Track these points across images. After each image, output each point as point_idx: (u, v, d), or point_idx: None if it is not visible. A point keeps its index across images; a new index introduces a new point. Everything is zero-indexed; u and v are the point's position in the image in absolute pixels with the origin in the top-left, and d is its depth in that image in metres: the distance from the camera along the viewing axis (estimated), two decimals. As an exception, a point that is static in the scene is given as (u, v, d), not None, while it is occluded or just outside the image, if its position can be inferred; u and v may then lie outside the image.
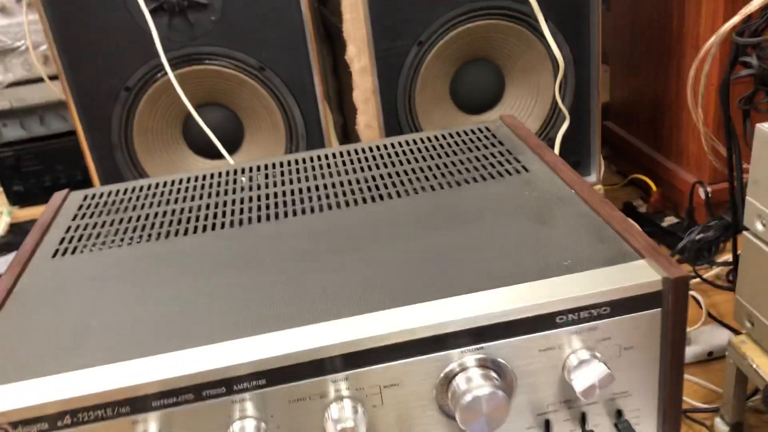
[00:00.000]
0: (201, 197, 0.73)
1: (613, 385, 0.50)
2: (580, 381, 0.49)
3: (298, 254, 0.59)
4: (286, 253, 0.60)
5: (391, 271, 0.55)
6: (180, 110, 1.15)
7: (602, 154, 1.34)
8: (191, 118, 1.13)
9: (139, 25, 1.08)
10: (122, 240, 0.66)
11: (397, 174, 0.72)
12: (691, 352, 1.04)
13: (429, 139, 0.80)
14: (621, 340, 0.51)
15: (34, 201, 1.57)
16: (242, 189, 0.73)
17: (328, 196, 0.69)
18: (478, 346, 0.49)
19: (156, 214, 0.70)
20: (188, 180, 0.77)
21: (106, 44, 1.10)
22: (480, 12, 1.17)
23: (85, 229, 0.69)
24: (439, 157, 0.75)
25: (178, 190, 0.75)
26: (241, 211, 0.68)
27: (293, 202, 0.69)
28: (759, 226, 0.74)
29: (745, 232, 0.77)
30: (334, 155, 0.79)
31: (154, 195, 0.74)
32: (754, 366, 0.78)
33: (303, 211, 0.67)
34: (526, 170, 0.69)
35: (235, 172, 0.78)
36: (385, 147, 0.79)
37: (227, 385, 0.47)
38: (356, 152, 0.79)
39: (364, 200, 0.67)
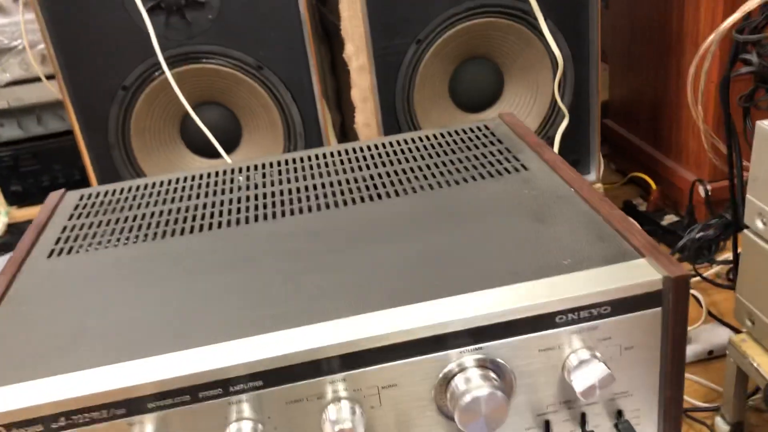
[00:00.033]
0: (198, 197, 0.72)
1: (613, 385, 0.49)
2: (580, 381, 0.49)
3: (295, 254, 0.59)
4: (283, 252, 0.59)
5: (389, 270, 0.54)
6: (177, 109, 1.15)
7: (602, 153, 1.34)
8: (189, 117, 1.13)
9: (136, 24, 1.07)
10: (118, 240, 0.65)
11: (395, 173, 0.71)
12: (691, 351, 1.04)
13: (427, 138, 0.79)
14: (621, 340, 0.50)
15: (32, 201, 1.57)
16: (239, 188, 0.73)
17: (325, 195, 0.69)
18: (476, 346, 0.48)
19: (152, 214, 0.70)
20: (185, 179, 0.77)
21: (103, 43, 1.09)
22: (479, 10, 1.16)
23: (81, 229, 0.69)
24: (438, 155, 0.74)
25: (175, 190, 0.74)
26: (238, 211, 0.68)
27: (290, 202, 0.68)
28: (759, 224, 0.74)
29: (745, 230, 0.77)
30: (331, 154, 0.78)
31: (150, 194, 0.74)
32: (755, 365, 0.78)
33: (300, 211, 0.66)
34: (525, 169, 0.68)
35: (232, 172, 0.77)
36: (383, 146, 0.79)
37: (224, 386, 0.47)
38: (354, 151, 0.78)
39: (362, 199, 0.67)
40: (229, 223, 0.66)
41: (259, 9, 1.11)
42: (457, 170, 0.70)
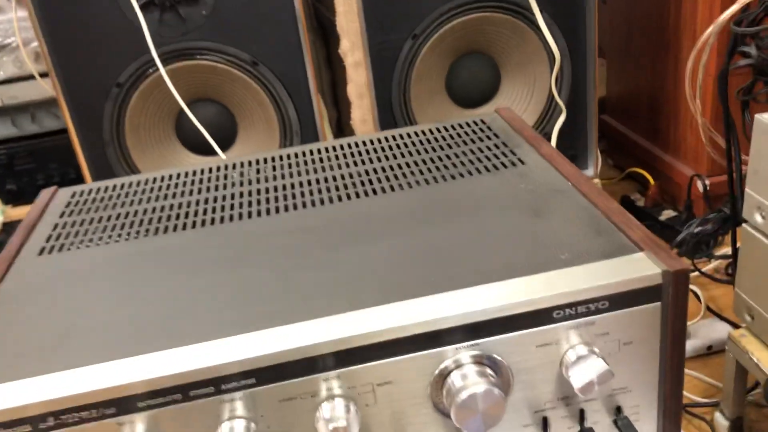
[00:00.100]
0: (191, 193, 0.71)
1: (612, 381, 0.48)
2: (579, 377, 0.48)
3: (289, 250, 0.58)
4: (277, 249, 0.58)
5: (384, 266, 0.53)
6: (172, 106, 1.14)
7: (599, 148, 1.33)
8: (184, 114, 1.12)
9: (129, 21, 1.07)
10: (110, 237, 0.65)
11: (391, 168, 0.71)
12: (690, 346, 1.03)
13: (423, 133, 0.78)
14: (620, 335, 0.50)
15: (27, 200, 1.56)
16: (233, 184, 0.72)
17: (320, 191, 0.68)
18: (473, 342, 0.48)
19: (144, 211, 0.69)
20: (178, 176, 0.76)
21: (96, 40, 1.08)
22: (475, 4, 1.15)
23: (72, 226, 0.68)
24: (434, 150, 0.74)
25: (168, 186, 0.74)
26: (232, 207, 0.67)
27: (285, 198, 0.68)
28: (758, 218, 0.73)
29: (744, 225, 0.76)
30: (327, 149, 0.77)
31: (143, 191, 0.73)
32: (755, 360, 0.77)
33: (295, 207, 0.66)
34: (522, 163, 0.68)
35: (226, 168, 0.76)
36: (379, 141, 0.78)
37: (216, 384, 0.46)
38: (349, 146, 0.77)
39: (357, 195, 0.66)
40: (222, 219, 0.65)
41: (253, 5, 1.10)
42: (454, 165, 0.69)
